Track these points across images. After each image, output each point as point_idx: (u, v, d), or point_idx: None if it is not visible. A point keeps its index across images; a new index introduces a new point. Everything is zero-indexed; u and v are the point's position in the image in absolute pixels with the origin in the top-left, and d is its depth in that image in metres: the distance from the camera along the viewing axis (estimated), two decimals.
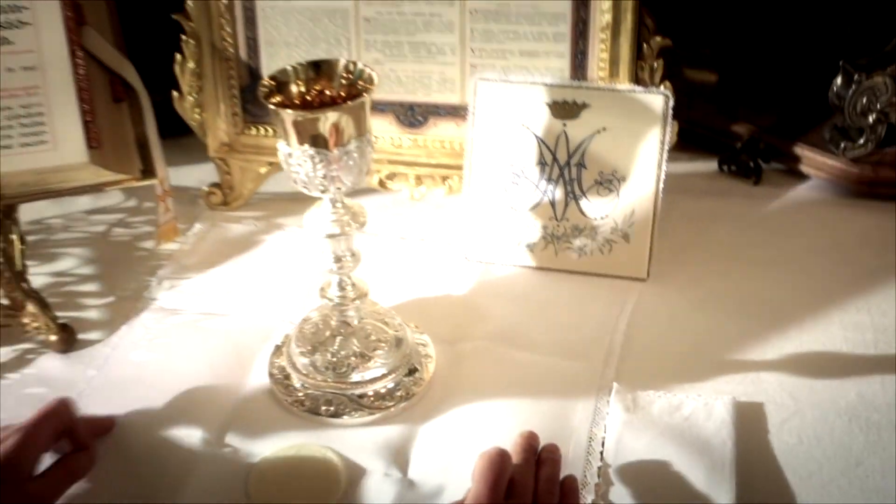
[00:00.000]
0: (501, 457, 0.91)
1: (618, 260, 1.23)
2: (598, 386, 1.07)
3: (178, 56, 1.32)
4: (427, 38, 1.27)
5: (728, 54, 1.48)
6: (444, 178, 1.32)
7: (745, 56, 1.47)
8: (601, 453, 0.99)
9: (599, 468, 0.98)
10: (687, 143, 1.38)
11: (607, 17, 1.21)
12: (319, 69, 0.99)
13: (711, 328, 1.15)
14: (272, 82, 0.97)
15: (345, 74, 0.99)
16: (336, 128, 0.93)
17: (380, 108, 1.31)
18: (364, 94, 0.95)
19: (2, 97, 1.10)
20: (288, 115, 0.93)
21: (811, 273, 1.22)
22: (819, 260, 1.24)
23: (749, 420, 1.02)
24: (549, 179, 1.23)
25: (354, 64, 0.99)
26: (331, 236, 1.02)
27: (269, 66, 1.31)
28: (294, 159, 0.96)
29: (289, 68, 0.98)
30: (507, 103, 1.22)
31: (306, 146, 0.94)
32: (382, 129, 1.32)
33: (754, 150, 1.39)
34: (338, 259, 1.05)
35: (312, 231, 1.03)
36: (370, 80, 0.96)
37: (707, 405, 1.04)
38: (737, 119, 1.43)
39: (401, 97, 1.30)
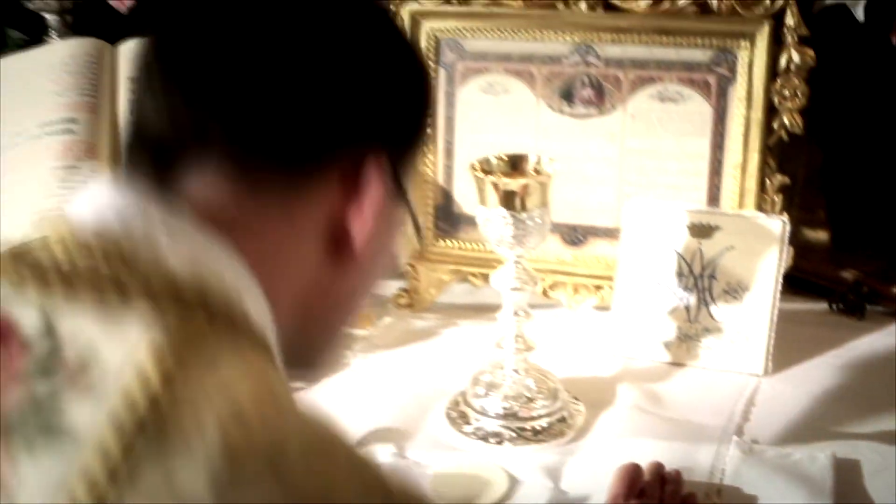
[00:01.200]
0: (635, 467, 1.15)
1: (741, 357, 1.47)
2: (720, 439, 1.30)
3: None
4: (591, 169, 1.59)
5: (839, 216, 1.75)
6: (598, 288, 1.60)
7: (854, 216, 1.73)
8: (720, 479, 1.21)
9: (719, 490, 1.19)
10: (801, 289, 1.64)
11: (738, 158, 1.51)
12: (514, 160, 1.31)
13: (815, 409, 1.37)
14: (478, 163, 1.29)
15: (534, 167, 1.30)
16: (525, 195, 1.24)
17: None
18: (549, 174, 1.26)
19: None
20: (491, 180, 1.24)
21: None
22: None
23: (846, 470, 1.23)
24: (686, 288, 1.49)
25: (540, 158, 1.30)
26: (513, 290, 1.31)
27: (459, 188, 1.64)
28: (491, 222, 1.26)
29: (491, 158, 1.30)
30: (654, 225, 1.51)
31: (503, 208, 1.24)
32: (549, 245, 1.61)
33: (858, 291, 1.63)
34: (515, 312, 1.32)
35: (498, 286, 1.32)
36: (551, 168, 1.27)
37: (812, 456, 1.25)
38: (844, 266, 1.68)
39: (566, 219, 1.60)
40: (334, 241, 0.70)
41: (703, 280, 1.49)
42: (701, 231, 1.48)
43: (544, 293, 1.63)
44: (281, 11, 0.67)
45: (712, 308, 1.48)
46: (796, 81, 1.48)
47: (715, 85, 1.52)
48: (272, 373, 0.63)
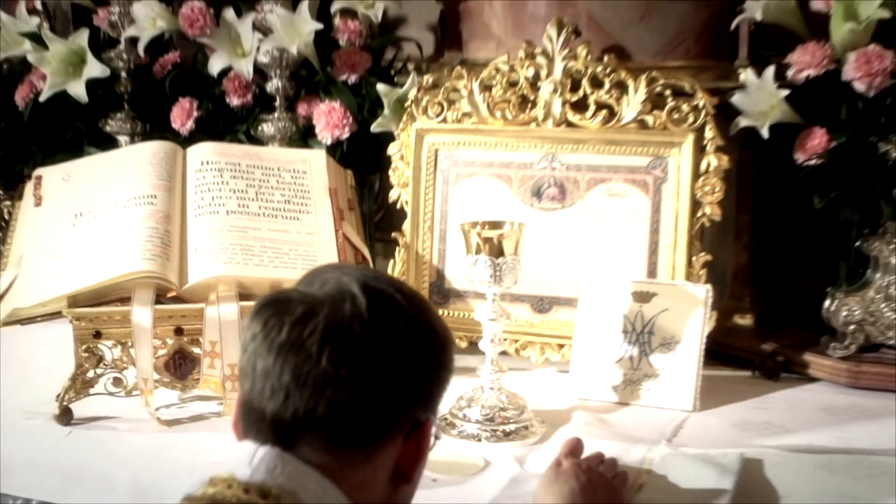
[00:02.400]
0: (577, 440, 1.51)
1: (674, 397, 1.83)
2: (652, 443, 1.65)
3: (392, 261, 2.07)
4: (555, 251, 1.99)
5: (764, 304, 2.15)
6: (560, 347, 1.98)
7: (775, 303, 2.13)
8: (649, 466, 1.56)
9: (648, 471, 1.54)
10: (729, 361, 2.03)
11: (670, 240, 1.92)
12: (493, 223, 1.71)
13: (732, 432, 1.73)
14: (467, 224, 1.69)
15: (508, 224, 1.71)
16: (501, 244, 1.64)
17: (521, 299, 2.00)
18: (520, 229, 1.66)
19: (294, 245, 1.85)
20: (476, 232, 1.64)
21: (800, 416, 1.80)
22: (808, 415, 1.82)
23: (751, 464, 1.58)
24: (630, 342, 1.87)
25: (513, 222, 1.71)
26: (491, 320, 1.69)
27: (451, 269, 2.04)
28: (475, 265, 1.66)
29: (477, 221, 1.71)
30: (605, 294, 1.90)
31: (484, 255, 1.65)
32: (521, 313, 2.00)
33: (775, 359, 2.01)
34: (492, 340, 1.70)
35: (480, 317, 1.70)
36: (522, 228, 1.68)
37: (724, 453, 1.60)
38: (765, 342, 2.06)
39: (535, 291, 1.99)
40: (397, 475, 1.10)
41: (644, 335, 1.86)
42: (642, 297, 1.87)
43: (516, 352, 2.00)
44: (365, 351, 1.05)
45: (651, 357, 1.85)
46: (714, 180, 1.91)
47: (652, 183, 1.95)
48: None
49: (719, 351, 2.04)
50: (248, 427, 1.07)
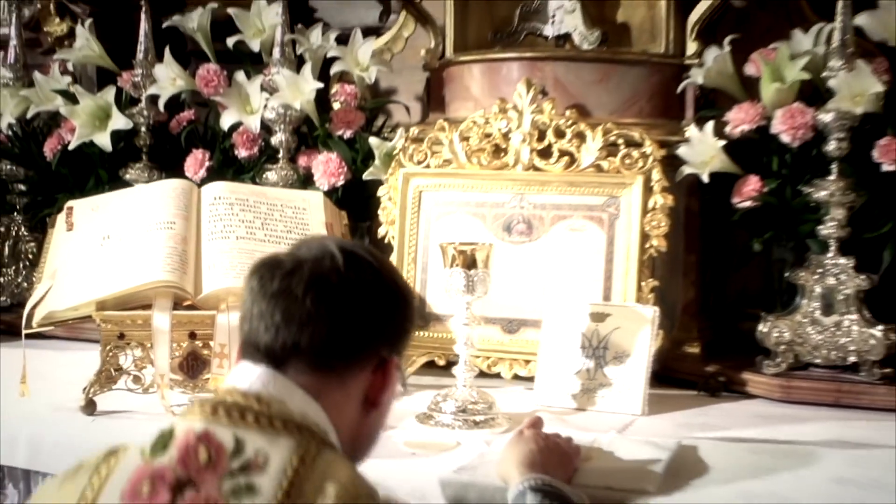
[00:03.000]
0: (539, 417, 1.76)
1: (625, 402, 2.09)
2: (601, 433, 1.91)
3: None
4: (523, 279, 2.27)
5: (710, 335, 2.42)
6: (527, 363, 2.24)
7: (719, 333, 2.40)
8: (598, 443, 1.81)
9: (599, 448, 1.80)
10: (677, 384, 2.28)
11: (623, 268, 2.20)
12: (468, 242, 1.99)
13: (676, 429, 1.99)
14: (446, 242, 1.97)
15: (479, 244, 1.98)
16: (473, 258, 1.92)
17: (492, 321, 2.27)
18: (490, 247, 1.94)
19: None
20: (453, 247, 1.92)
21: (735, 421, 2.06)
22: (742, 420, 2.08)
23: (687, 448, 1.83)
24: (587, 356, 2.13)
25: (484, 243, 1.99)
26: (464, 325, 1.96)
27: (432, 296, 2.31)
28: (451, 277, 1.94)
29: (454, 240, 1.99)
30: (566, 315, 2.17)
31: (458, 267, 1.92)
32: (492, 333, 2.26)
33: (717, 379, 2.27)
34: (465, 343, 1.97)
35: (453, 326, 1.97)
36: (491, 247, 1.96)
37: (665, 439, 1.85)
38: (709, 363, 2.33)
39: (505, 314, 2.26)
40: (366, 401, 1.34)
41: (599, 350, 2.13)
42: (598, 317, 2.14)
43: (488, 368, 2.26)
44: (340, 296, 1.29)
45: (605, 369, 2.12)
46: (660, 216, 2.20)
47: (607, 219, 2.24)
48: (351, 464, 1.27)
49: (669, 375, 2.30)
50: (245, 359, 1.32)
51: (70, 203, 2.29)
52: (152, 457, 1.19)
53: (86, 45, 2.78)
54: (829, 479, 1.72)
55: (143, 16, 2.71)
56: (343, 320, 1.30)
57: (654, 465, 1.71)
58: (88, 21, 2.83)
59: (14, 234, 2.85)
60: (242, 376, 1.28)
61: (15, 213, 2.89)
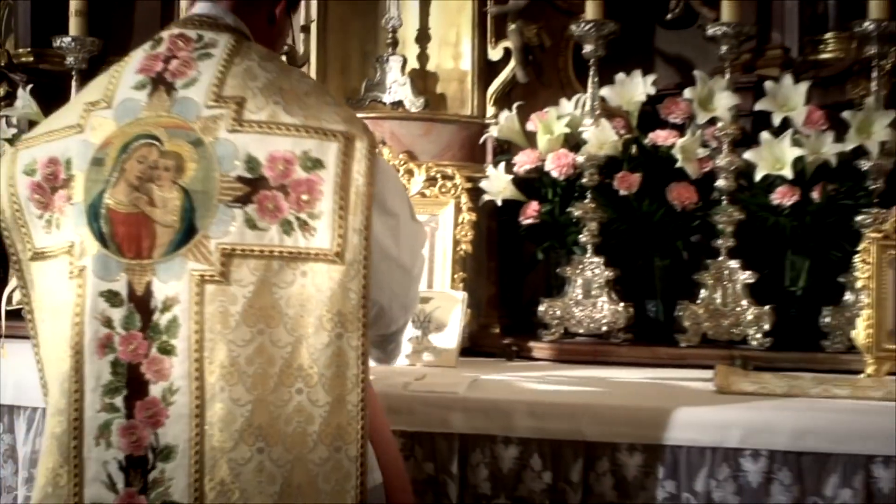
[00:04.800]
0: None
1: (443, 360, 2.91)
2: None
3: None
4: None
5: (507, 321, 3.28)
6: None
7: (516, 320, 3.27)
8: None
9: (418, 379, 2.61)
10: (485, 355, 3.13)
11: (441, 266, 3.04)
12: None
13: (482, 370, 2.82)
14: None
15: None
16: None
17: None
18: None
19: None
20: None
21: (523, 370, 2.91)
22: (528, 371, 2.94)
23: (483, 380, 2.68)
24: (416, 328, 2.94)
25: None
26: None
27: None
28: None
29: None
30: None
31: None
32: None
33: (510, 348, 3.12)
34: None
35: None
36: None
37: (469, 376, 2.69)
38: (506, 338, 3.18)
39: None
40: (271, 19, 2.01)
41: (425, 323, 2.94)
42: (424, 300, 2.96)
43: None
44: None
45: (430, 336, 2.94)
46: (467, 228, 3.07)
47: (429, 231, 3.08)
48: None
49: (477, 350, 3.13)
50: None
51: None
52: (151, 49, 1.90)
53: (27, 105, 3.46)
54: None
55: (73, 84, 3.43)
56: None
57: (462, 383, 2.55)
58: (29, 87, 3.52)
59: None
60: (197, 8, 1.97)
61: None
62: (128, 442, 1.79)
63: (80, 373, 1.81)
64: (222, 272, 1.77)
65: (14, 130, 3.49)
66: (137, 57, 1.92)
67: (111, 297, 1.81)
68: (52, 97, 3.58)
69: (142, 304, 1.80)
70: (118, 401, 1.80)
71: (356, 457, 1.80)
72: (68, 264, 1.84)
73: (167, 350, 1.78)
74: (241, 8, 1.96)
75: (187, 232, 1.78)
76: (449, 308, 2.94)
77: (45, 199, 1.90)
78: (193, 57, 1.87)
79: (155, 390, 1.78)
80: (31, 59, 3.84)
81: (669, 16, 3.54)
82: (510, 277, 3.39)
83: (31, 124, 3.50)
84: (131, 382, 1.79)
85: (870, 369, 2.61)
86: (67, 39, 3.43)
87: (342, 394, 1.78)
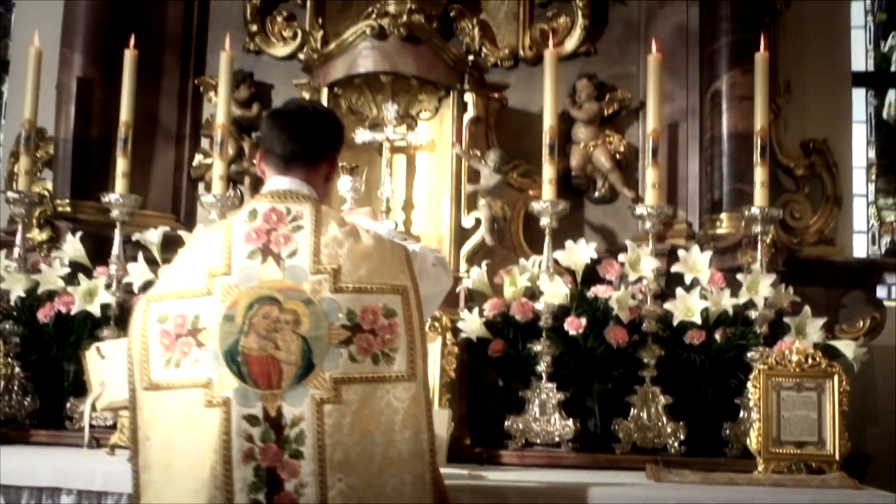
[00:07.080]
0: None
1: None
2: None
3: None
4: None
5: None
6: None
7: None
8: None
9: None
10: (458, 461, 3.91)
11: (434, 389, 3.86)
12: None
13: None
14: None
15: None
16: None
17: None
18: None
19: None
20: None
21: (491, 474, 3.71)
22: None
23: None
24: None
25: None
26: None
27: None
28: None
29: None
30: None
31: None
32: None
33: (481, 455, 3.91)
34: None
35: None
36: None
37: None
38: (476, 448, 3.96)
39: None
40: (326, 179, 2.84)
41: None
42: None
43: None
44: (312, 121, 2.83)
45: None
46: (451, 358, 3.89)
47: None
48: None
49: (452, 457, 3.90)
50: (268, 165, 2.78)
51: (97, 344, 3.67)
52: (250, 220, 2.58)
53: (77, 251, 4.20)
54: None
55: (116, 233, 4.19)
56: (318, 136, 2.79)
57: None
58: (78, 234, 4.27)
59: (9, 371, 4.11)
60: (280, 183, 2.71)
61: (10, 358, 4.15)
62: None
63: (229, 477, 2.46)
64: (335, 395, 2.48)
65: (67, 269, 4.18)
66: (240, 228, 2.63)
67: (251, 419, 2.48)
68: (91, 242, 4.33)
69: (275, 422, 2.47)
70: (261, 496, 2.46)
71: None
72: (203, 395, 2.51)
73: (297, 455, 2.46)
74: (311, 178, 2.74)
75: (307, 367, 2.49)
76: (440, 423, 3.71)
77: (170, 342, 2.59)
78: (289, 230, 2.61)
79: (289, 486, 2.46)
80: (69, 209, 4.57)
81: (597, 194, 4.56)
82: (476, 399, 4.20)
83: (74, 265, 4.23)
84: (270, 482, 2.46)
85: (761, 467, 3.51)
86: (115, 196, 4.22)
87: (421, 473, 2.52)
